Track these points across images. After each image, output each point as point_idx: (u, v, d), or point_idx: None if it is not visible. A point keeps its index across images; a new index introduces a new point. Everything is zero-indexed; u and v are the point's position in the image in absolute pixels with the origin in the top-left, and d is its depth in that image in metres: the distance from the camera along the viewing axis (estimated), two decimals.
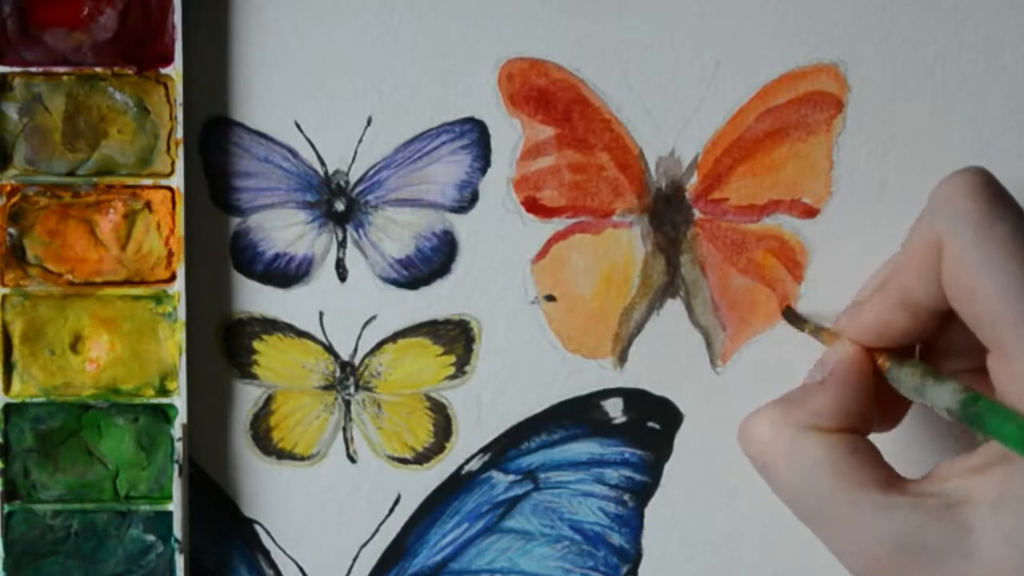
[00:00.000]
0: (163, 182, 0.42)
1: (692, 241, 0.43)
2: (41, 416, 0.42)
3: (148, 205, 0.42)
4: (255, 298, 0.43)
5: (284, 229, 0.43)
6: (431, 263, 0.43)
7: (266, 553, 0.44)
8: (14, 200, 0.41)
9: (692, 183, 0.43)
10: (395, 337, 0.43)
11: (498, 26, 0.42)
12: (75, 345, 0.42)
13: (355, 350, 0.43)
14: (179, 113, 0.41)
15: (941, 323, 0.36)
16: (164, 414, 0.42)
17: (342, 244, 0.43)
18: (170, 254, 0.42)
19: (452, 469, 0.44)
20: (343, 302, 0.43)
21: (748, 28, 0.43)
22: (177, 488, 0.42)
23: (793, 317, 0.43)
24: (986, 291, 0.32)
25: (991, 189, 0.33)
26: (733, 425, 0.42)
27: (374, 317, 0.43)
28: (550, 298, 0.43)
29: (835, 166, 0.43)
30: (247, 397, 0.43)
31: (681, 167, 0.43)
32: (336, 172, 0.43)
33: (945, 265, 0.33)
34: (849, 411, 0.36)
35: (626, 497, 0.44)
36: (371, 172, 0.43)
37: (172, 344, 0.42)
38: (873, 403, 0.37)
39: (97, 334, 0.42)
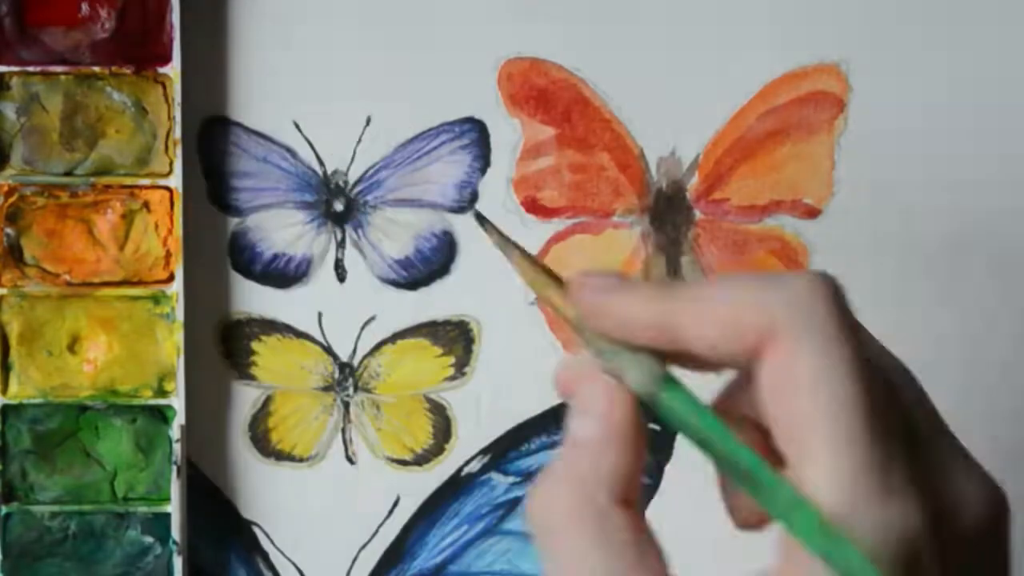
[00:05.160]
0: (161, 182, 0.41)
1: (693, 241, 0.43)
2: (39, 417, 0.42)
3: (146, 205, 0.42)
4: (254, 299, 0.43)
5: (283, 229, 0.43)
6: (430, 264, 0.43)
7: (265, 555, 0.43)
8: (12, 200, 0.41)
9: (693, 183, 0.43)
10: (394, 338, 0.43)
11: (498, 26, 0.42)
12: (73, 346, 0.42)
13: (354, 351, 0.43)
14: (177, 113, 0.41)
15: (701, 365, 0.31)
16: (162, 415, 0.42)
17: (341, 244, 0.43)
18: (168, 254, 0.42)
19: (452, 471, 0.44)
20: (342, 303, 0.43)
21: (749, 27, 0.42)
22: (175, 489, 0.41)
23: (483, 221, 0.40)
24: (811, 400, 0.29)
25: (846, 305, 0.31)
26: None
27: (373, 318, 0.43)
28: None
29: (837, 166, 0.43)
30: (246, 398, 0.43)
31: (682, 167, 0.43)
32: (335, 172, 0.43)
33: (774, 354, 0.30)
34: (640, 469, 0.31)
35: None
36: (370, 172, 0.43)
37: (170, 345, 0.42)
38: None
39: (95, 335, 0.42)
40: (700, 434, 0.29)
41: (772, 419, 0.30)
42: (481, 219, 0.39)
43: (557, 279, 0.32)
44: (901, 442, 0.30)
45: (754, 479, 0.28)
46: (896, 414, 0.30)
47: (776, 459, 0.30)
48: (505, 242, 0.34)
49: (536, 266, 0.32)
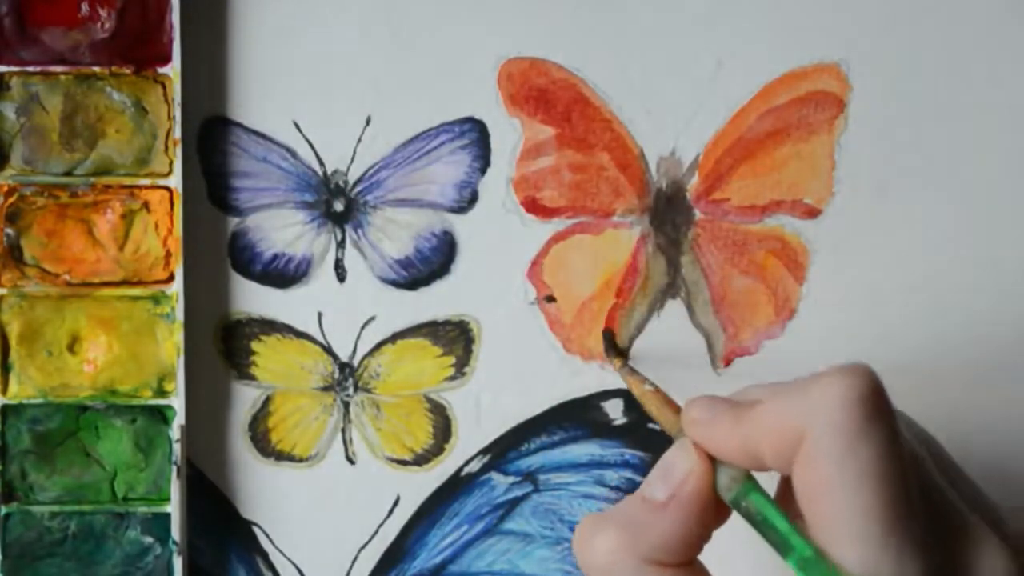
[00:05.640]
0: (161, 182, 0.41)
1: (693, 241, 0.43)
2: (38, 417, 0.42)
3: (146, 205, 0.42)
4: (253, 299, 0.43)
5: (283, 229, 0.43)
6: (430, 263, 0.43)
7: (264, 555, 0.43)
8: (11, 200, 0.41)
9: (693, 183, 0.43)
10: (394, 338, 0.43)
11: (498, 26, 0.42)
12: (73, 346, 0.42)
13: (354, 351, 0.43)
14: (177, 113, 0.41)
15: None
16: (162, 415, 0.42)
17: (341, 244, 0.43)
18: (168, 254, 0.42)
19: (451, 471, 0.44)
20: (342, 303, 0.43)
21: (749, 27, 0.42)
22: (175, 490, 0.41)
23: (610, 344, 0.43)
24: (830, 504, 0.31)
25: (870, 403, 0.31)
26: None
27: (373, 318, 0.43)
28: (550, 299, 0.43)
29: (837, 166, 0.43)
30: (245, 398, 0.43)
31: (682, 167, 0.43)
32: (335, 172, 0.43)
33: (800, 461, 0.32)
34: (693, 542, 0.34)
35: None
36: (370, 172, 0.43)
37: (170, 345, 0.42)
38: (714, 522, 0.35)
39: (95, 335, 0.42)
40: (772, 531, 0.33)
41: (805, 515, 0.32)
42: (607, 342, 0.43)
43: (672, 405, 0.38)
44: (917, 526, 0.31)
45: (815, 569, 0.31)
46: (914, 495, 0.32)
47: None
48: (634, 377, 0.40)
49: (658, 396, 0.38)
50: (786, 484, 0.35)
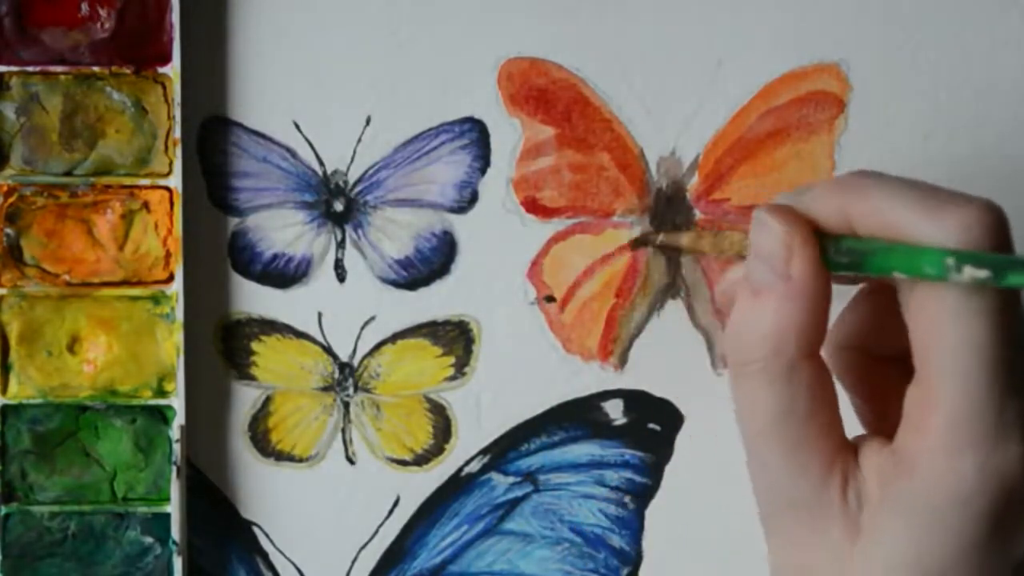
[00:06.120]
0: (161, 182, 0.41)
1: None
2: (38, 417, 0.42)
3: (146, 205, 0.42)
4: (253, 299, 0.43)
5: (283, 229, 0.43)
6: (430, 264, 0.43)
7: (264, 555, 0.43)
8: (11, 200, 0.41)
9: (693, 183, 0.43)
10: (394, 338, 0.43)
11: (498, 26, 0.42)
12: (72, 346, 0.42)
13: (354, 351, 0.43)
14: (177, 113, 0.41)
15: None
16: (162, 415, 0.42)
17: (341, 244, 0.43)
18: (168, 254, 0.42)
19: (451, 471, 0.43)
20: (342, 303, 0.43)
21: (749, 27, 0.42)
22: (175, 490, 0.41)
23: (640, 242, 0.43)
24: (945, 332, 0.30)
25: (1007, 237, 0.31)
26: (734, 427, 0.42)
27: (373, 318, 0.43)
28: (550, 299, 0.43)
29: (837, 166, 0.43)
30: (245, 398, 0.43)
31: (682, 167, 0.43)
32: (335, 172, 0.43)
33: (921, 287, 0.31)
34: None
35: (626, 499, 0.43)
36: (370, 172, 0.43)
37: (170, 345, 0.42)
38: None
39: (95, 335, 0.42)
40: (896, 254, 0.31)
41: (912, 333, 0.31)
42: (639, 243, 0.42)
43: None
44: (1021, 370, 0.31)
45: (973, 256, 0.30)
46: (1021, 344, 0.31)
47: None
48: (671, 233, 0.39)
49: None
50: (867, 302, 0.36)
